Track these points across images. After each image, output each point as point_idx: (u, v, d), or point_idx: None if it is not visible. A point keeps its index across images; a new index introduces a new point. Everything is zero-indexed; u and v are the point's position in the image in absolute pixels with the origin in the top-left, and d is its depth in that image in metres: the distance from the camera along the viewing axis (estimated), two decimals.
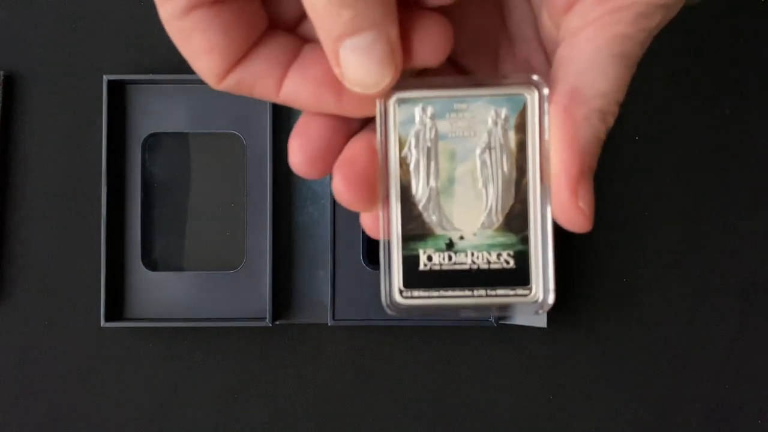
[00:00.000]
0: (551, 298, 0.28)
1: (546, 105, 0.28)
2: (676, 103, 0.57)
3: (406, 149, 0.28)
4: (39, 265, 0.57)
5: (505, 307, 0.28)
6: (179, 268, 0.58)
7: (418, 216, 0.28)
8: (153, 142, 0.58)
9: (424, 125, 0.28)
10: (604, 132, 0.28)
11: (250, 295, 0.57)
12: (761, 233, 0.57)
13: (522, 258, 0.28)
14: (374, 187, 0.28)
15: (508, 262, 0.28)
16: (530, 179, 0.28)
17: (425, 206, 0.28)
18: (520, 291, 0.28)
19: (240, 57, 0.27)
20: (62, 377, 0.56)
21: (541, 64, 0.32)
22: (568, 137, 0.27)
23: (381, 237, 0.28)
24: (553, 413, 0.56)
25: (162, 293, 0.57)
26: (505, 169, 0.28)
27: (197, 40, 0.27)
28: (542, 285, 0.28)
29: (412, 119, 0.28)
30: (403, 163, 0.28)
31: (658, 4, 0.28)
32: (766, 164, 0.57)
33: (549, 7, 0.30)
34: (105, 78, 0.56)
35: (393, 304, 0.28)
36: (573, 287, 0.57)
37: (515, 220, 0.28)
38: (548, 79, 0.29)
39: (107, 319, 0.55)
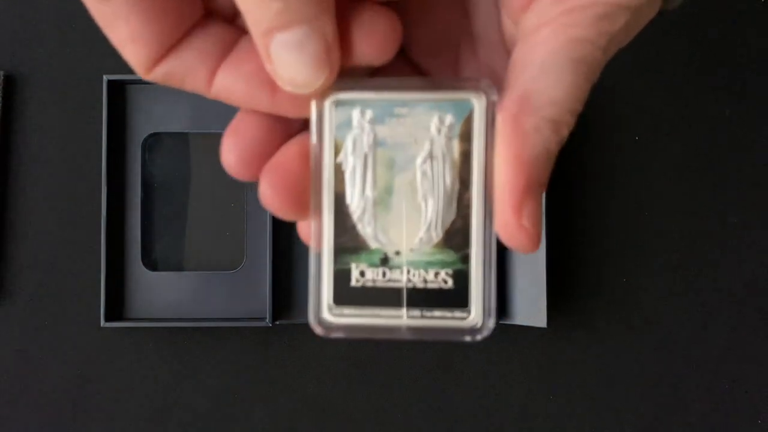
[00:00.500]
0: (491, 323, 0.25)
1: (494, 112, 0.25)
2: (675, 103, 0.56)
3: (341, 155, 0.26)
4: (39, 265, 0.56)
5: (441, 331, 0.25)
6: (179, 268, 0.56)
7: (352, 228, 0.26)
8: (153, 142, 0.56)
9: (362, 130, 0.26)
10: (556, 144, 0.25)
11: (250, 295, 0.55)
12: (761, 234, 0.55)
13: (461, 278, 0.25)
14: (305, 196, 0.26)
15: (446, 282, 0.25)
16: (474, 193, 0.25)
17: (360, 218, 0.26)
18: (457, 314, 0.25)
19: (169, 47, 0.25)
20: (62, 377, 0.55)
21: (505, 69, 0.29)
22: (515, 149, 0.24)
23: (311, 248, 0.26)
24: (553, 413, 0.55)
25: (162, 293, 0.56)
26: (447, 181, 0.25)
27: (121, 28, 0.24)
28: (482, 308, 0.25)
29: (350, 123, 0.26)
30: (338, 171, 0.26)
31: (621, 5, 0.25)
32: (766, 164, 0.55)
33: (507, 5, 0.27)
34: (105, 78, 0.54)
35: (321, 321, 0.26)
36: (573, 287, 0.55)
37: (456, 237, 0.25)
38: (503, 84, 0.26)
39: (107, 319, 0.54)
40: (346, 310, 0.26)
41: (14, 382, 0.55)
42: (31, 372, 0.55)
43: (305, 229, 0.27)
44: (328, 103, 0.25)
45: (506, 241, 0.24)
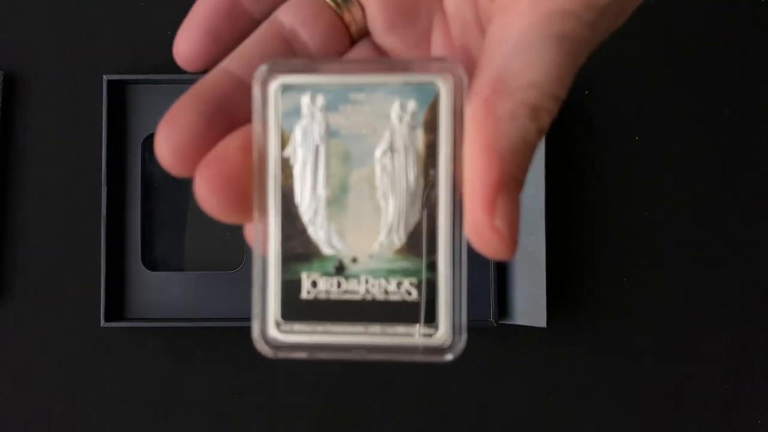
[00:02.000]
0: (462, 341, 0.20)
1: (463, 97, 0.20)
2: (676, 102, 0.52)
3: (289, 148, 0.21)
4: (39, 264, 0.53)
5: (405, 350, 0.20)
6: (179, 268, 0.52)
7: (302, 231, 0.21)
8: (153, 142, 0.52)
9: (313, 118, 0.21)
10: (535, 134, 0.20)
11: (250, 295, 0.51)
12: (763, 234, 0.52)
13: (428, 289, 0.20)
14: (247, 194, 0.21)
15: (410, 293, 0.20)
16: (441, 191, 0.20)
17: (311, 220, 0.21)
18: (423, 330, 0.20)
19: None
20: (62, 377, 0.53)
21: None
22: (487, 138, 0.19)
23: (254, 255, 0.21)
24: (553, 414, 0.52)
25: (162, 293, 0.52)
26: (410, 176, 0.20)
27: None
28: (451, 324, 0.20)
29: (298, 110, 0.21)
30: (286, 165, 0.21)
31: None
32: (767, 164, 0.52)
33: None
34: (105, 78, 0.51)
35: (268, 340, 0.21)
36: (573, 287, 0.52)
37: (420, 241, 0.20)
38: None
39: (107, 319, 0.50)
40: (296, 327, 0.21)
41: (14, 382, 0.52)
42: (30, 371, 0.52)
43: (251, 233, 0.22)
44: (273, 88, 0.21)
45: (477, 245, 0.19)
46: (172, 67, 0.52)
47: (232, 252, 0.52)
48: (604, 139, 0.52)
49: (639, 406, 0.51)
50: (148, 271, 0.52)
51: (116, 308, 0.51)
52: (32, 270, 0.52)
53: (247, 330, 0.51)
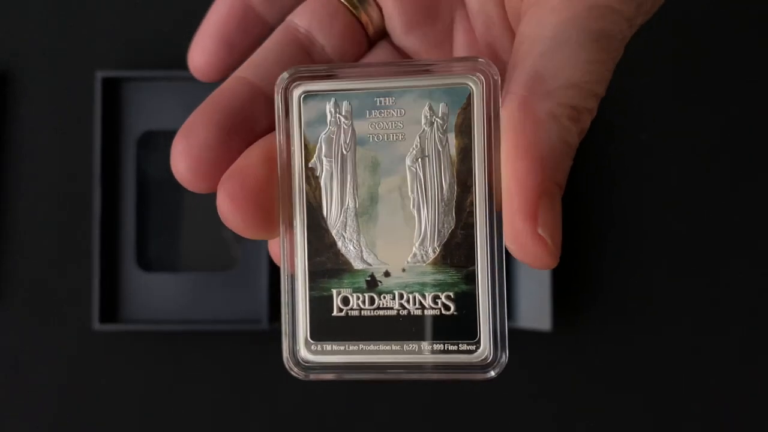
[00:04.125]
0: (505, 356, 0.18)
1: (498, 98, 0.19)
2: (680, 102, 0.51)
3: (314, 158, 0.19)
4: (31, 264, 0.51)
5: (444, 368, 0.19)
6: (174, 269, 0.51)
7: (331, 245, 0.19)
8: (148, 140, 0.51)
9: (338, 126, 0.19)
10: (576, 135, 0.19)
11: (246, 297, 0.50)
12: None
13: (466, 302, 0.19)
14: (271, 209, 0.19)
15: (448, 308, 0.19)
16: (477, 198, 0.19)
17: (339, 233, 0.19)
18: (464, 346, 0.19)
19: None
20: (55, 379, 0.51)
21: (507, 48, 0.22)
22: (526, 141, 0.18)
23: (282, 272, 0.20)
24: (558, 418, 0.50)
25: (157, 294, 0.50)
26: (444, 184, 0.19)
27: None
28: (492, 338, 0.19)
29: (323, 118, 0.19)
30: (311, 177, 0.19)
31: None
32: None
33: None
34: (98, 75, 0.49)
35: (298, 360, 0.20)
36: (578, 290, 0.51)
37: (457, 252, 0.19)
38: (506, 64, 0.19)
39: (101, 321, 0.49)
40: (328, 346, 0.19)
41: (6, 385, 0.51)
42: (23, 374, 0.51)
43: (276, 249, 0.20)
44: (295, 96, 0.19)
45: (518, 254, 0.18)
46: (167, 63, 0.51)
47: (228, 252, 0.51)
48: (610, 141, 0.51)
49: (645, 410, 0.50)
50: (143, 271, 0.50)
51: (110, 309, 0.49)
52: (25, 270, 0.50)
53: (243, 333, 0.50)
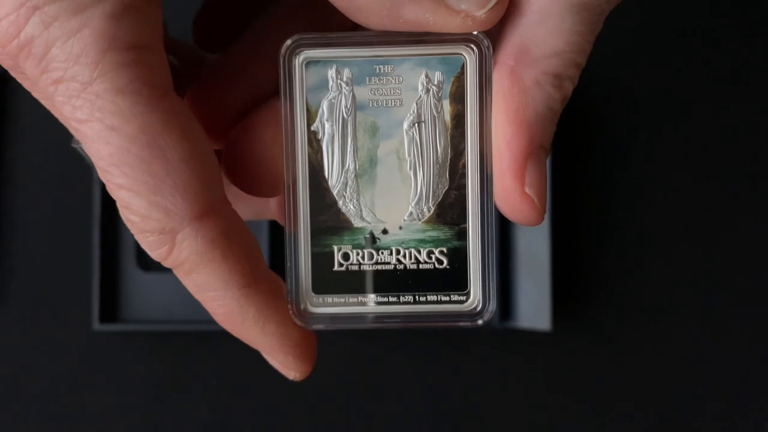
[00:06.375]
0: (492, 306, 0.20)
1: (489, 67, 0.20)
2: (681, 101, 0.51)
3: (316, 122, 0.20)
4: (32, 265, 0.51)
5: (438, 317, 0.20)
6: None
7: (332, 205, 0.21)
8: None
9: (339, 91, 0.20)
10: (559, 102, 0.20)
11: None
12: None
13: (458, 257, 0.20)
14: (275, 169, 0.21)
15: (441, 262, 0.20)
16: (469, 160, 0.20)
17: (340, 193, 0.20)
18: (455, 297, 0.20)
19: None
20: (55, 380, 0.51)
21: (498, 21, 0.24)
22: (514, 106, 0.19)
23: (286, 230, 0.21)
24: (557, 418, 0.51)
25: (157, 294, 0.51)
26: (439, 147, 0.20)
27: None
28: (482, 290, 0.20)
29: (325, 84, 0.20)
30: (313, 140, 0.20)
31: None
32: None
33: None
34: None
35: (301, 312, 0.21)
36: (578, 289, 0.51)
37: (450, 211, 0.20)
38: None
39: (101, 321, 0.49)
40: (329, 299, 0.20)
41: (7, 384, 0.51)
42: (23, 374, 0.51)
43: (279, 208, 0.22)
44: (297, 62, 0.20)
45: (507, 212, 0.20)
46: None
47: None
48: (609, 139, 0.51)
49: (645, 410, 0.50)
50: (143, 271, 0.51)
51: (110, 309, 0.50)
52: (25, 270, 0.51)
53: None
